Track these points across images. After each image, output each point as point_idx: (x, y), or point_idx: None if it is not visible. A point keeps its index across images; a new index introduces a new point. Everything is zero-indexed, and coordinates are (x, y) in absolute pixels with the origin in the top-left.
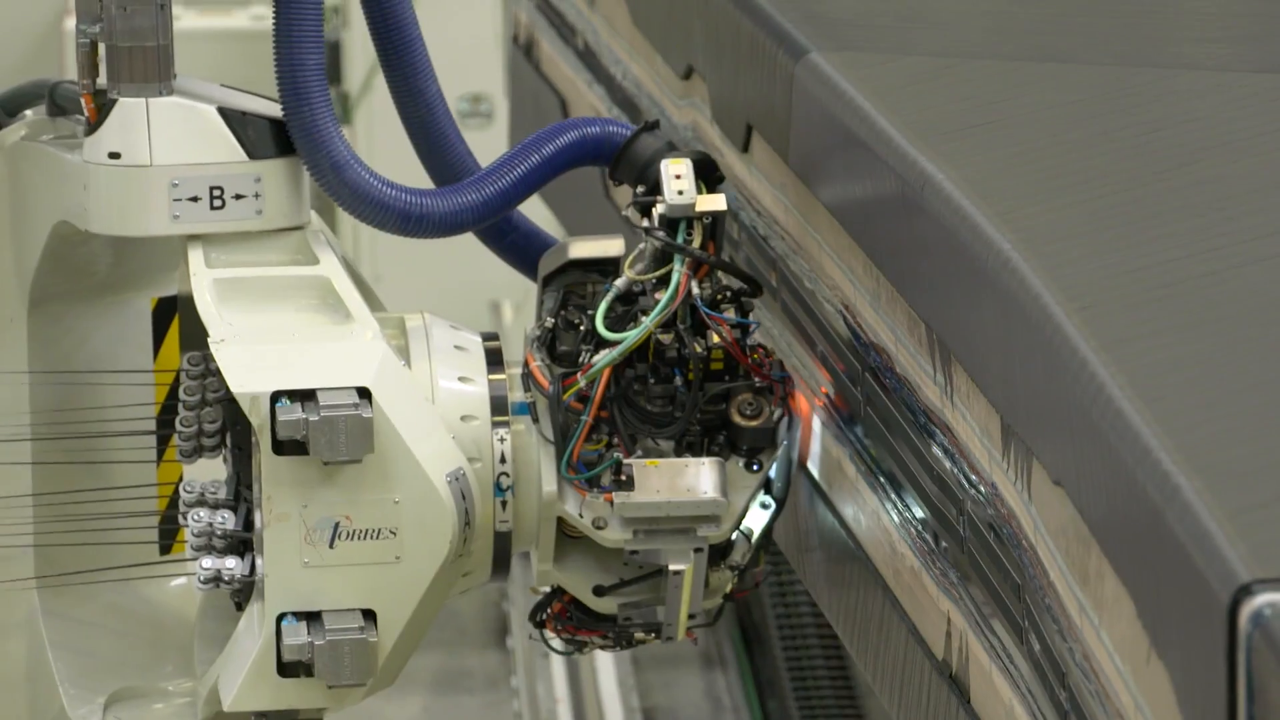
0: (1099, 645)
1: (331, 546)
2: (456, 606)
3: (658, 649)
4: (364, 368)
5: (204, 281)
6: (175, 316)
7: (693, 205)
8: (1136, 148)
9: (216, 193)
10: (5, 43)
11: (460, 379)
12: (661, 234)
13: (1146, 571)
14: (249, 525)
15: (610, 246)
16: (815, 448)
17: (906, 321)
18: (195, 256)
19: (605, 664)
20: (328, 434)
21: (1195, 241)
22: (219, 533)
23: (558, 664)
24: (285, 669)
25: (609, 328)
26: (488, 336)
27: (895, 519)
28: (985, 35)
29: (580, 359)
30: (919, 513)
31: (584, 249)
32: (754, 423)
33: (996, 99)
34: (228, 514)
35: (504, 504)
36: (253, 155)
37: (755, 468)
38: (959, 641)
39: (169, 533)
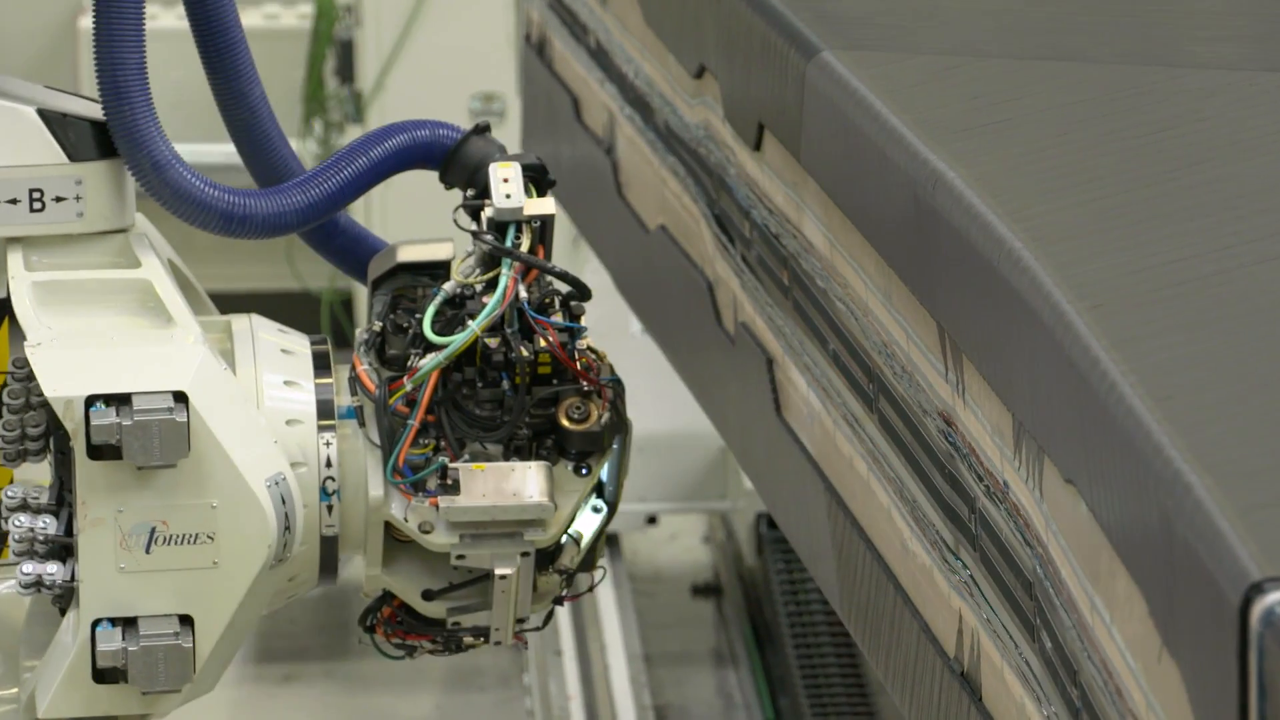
0: (1110, 643)
1: (148, 552)
2: None
3: (670, 645)
4: (181, 371)
5: (23, 285)
6: (4, 319)
7: (521, 209)
8: (1146, 147)
9: (36, 195)
10: (20, 42)
11: (286, 383)
12: (490, 237)
13: (1157, 570)
14: (71, 530)
15: (440, 250)
16: (827, 448)
17: (918, 320)
18: (14, 259)
19: (617, 661)
20: (141, 438)
21: (1205, 240)
22: (40, 538)
23: (570, 662)
24: (100, 675)
25: (438, 332)
26: (316, 340)
27: (907, 517)
28: (995, 34)
29: (409, 363)
30: (930, 511)
31: (413, 252)
32: (581, 426)
33: (1007, 97)
34: (49, 519)
35: (330, 508)
36: (73, 157)
37: (584, 471)
38: (971, 639)
39: None
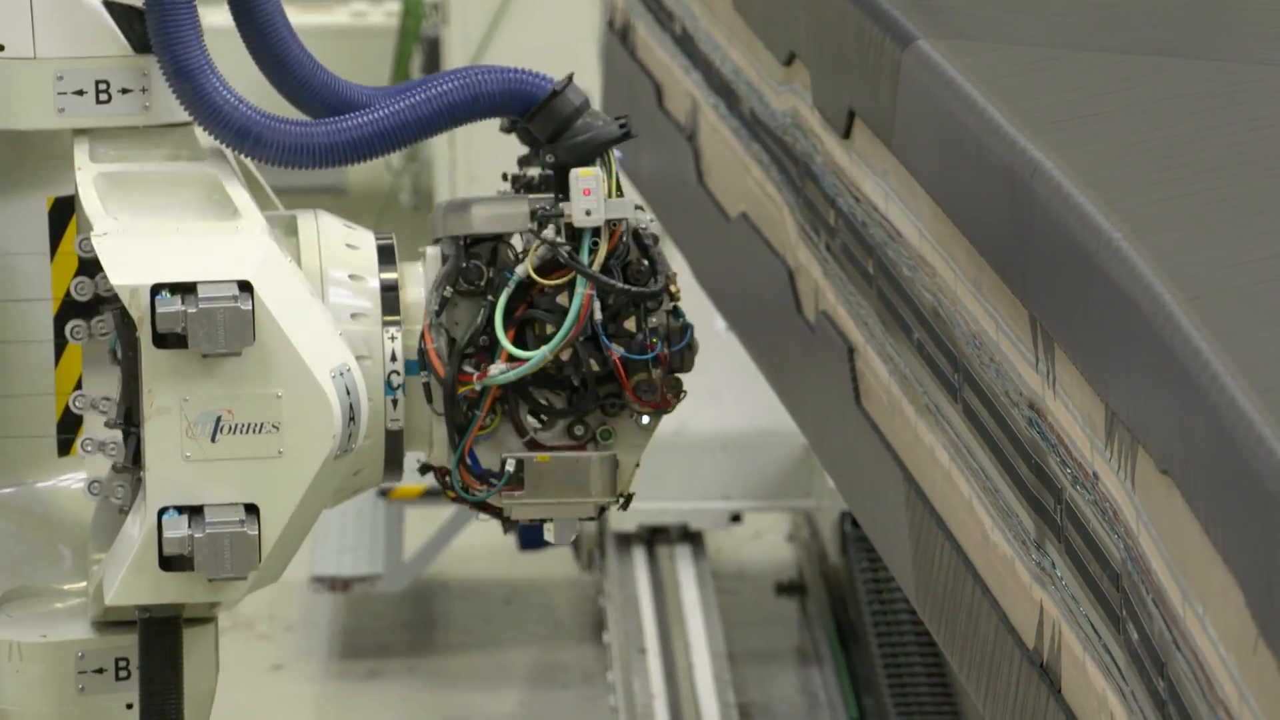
0: (1203, 635)
1: (213, 441)
2: (552, 601)
3: (754, 643)
4: (246, 261)
5: (88, 176)
6: (73, 216)
7: (601, 224)
8: (1246, 143)
9: (102, 86)
10: None
11: (351, 277)
12: (566, 251)
13: (1256, 561)
14: (137, 458)
15: (512, 220)
16: (907, 437)
17: (1009, 309)
18: (81, 151)
19: (701, 659)
20: (206, 326)
21: None
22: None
23: (654, 659)
24: (166, 563)
25: (506, 322)
26: (381, 236)
27: (989, 508)
28: (1093, 27)
29: (479, 340)
30: (1014, 502)
31: (489, 220)
32: (649, 406)
33: (1105, 90)
34: (118, 443)
35: (394, 402)
36: (140, 49)
37: (645, 421)
38: (1051, 631)
39: (67, 434)
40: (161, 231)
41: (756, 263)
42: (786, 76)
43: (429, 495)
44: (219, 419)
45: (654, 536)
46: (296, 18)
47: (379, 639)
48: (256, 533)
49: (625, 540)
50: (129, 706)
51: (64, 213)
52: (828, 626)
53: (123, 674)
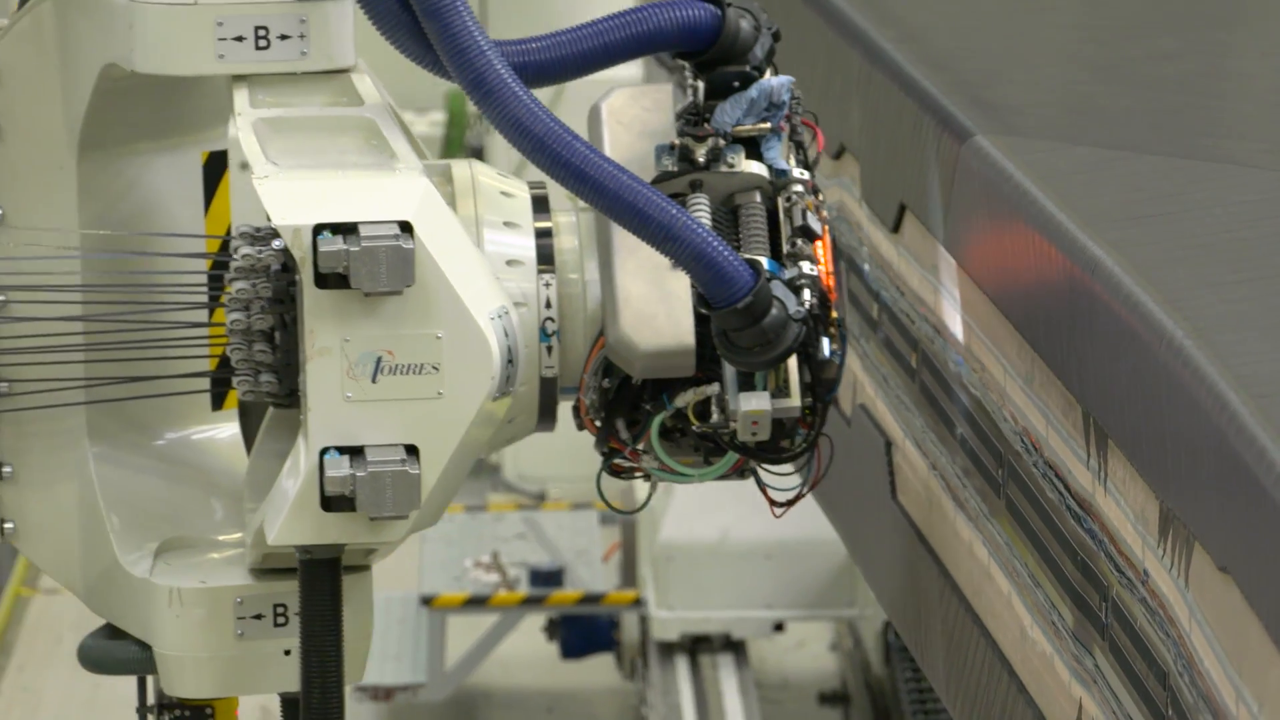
0: None
1: (374, 381)
2: (594, 710)
3: None
4: (406, 202)
5: (248, 120)
6: (226, 171)
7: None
8: None
9: (261, 32)
10: None
11: (506, 224)
12: (725, 439)
13: None
14: (291, 399)
15: (680, 362)
16: (944, 532)
17: (1061, 405)
18: (240, 97)
19: None
20: (368, 264)
21: None
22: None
23: None
24: (328, 503)
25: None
26: (535, 184)
27: (1028, 605)
28: (1154, 132)
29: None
30: (1057, 598)
31: (654, 366)
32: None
33: (1167, 192)
34: (267, 348)
35: (549, 349)
36: None
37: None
38: None
39: (221, 386)
40: (321, 174)
41: None
42: (835, 170)
43: (471, 603)
44: (379, 360)
45: (697, 645)
46: None
47: None
48: (418, 472)
49: (668, 649)
50: (286, 653)
51: (217, 167)
52: (866, 716)
53: (280, 620)
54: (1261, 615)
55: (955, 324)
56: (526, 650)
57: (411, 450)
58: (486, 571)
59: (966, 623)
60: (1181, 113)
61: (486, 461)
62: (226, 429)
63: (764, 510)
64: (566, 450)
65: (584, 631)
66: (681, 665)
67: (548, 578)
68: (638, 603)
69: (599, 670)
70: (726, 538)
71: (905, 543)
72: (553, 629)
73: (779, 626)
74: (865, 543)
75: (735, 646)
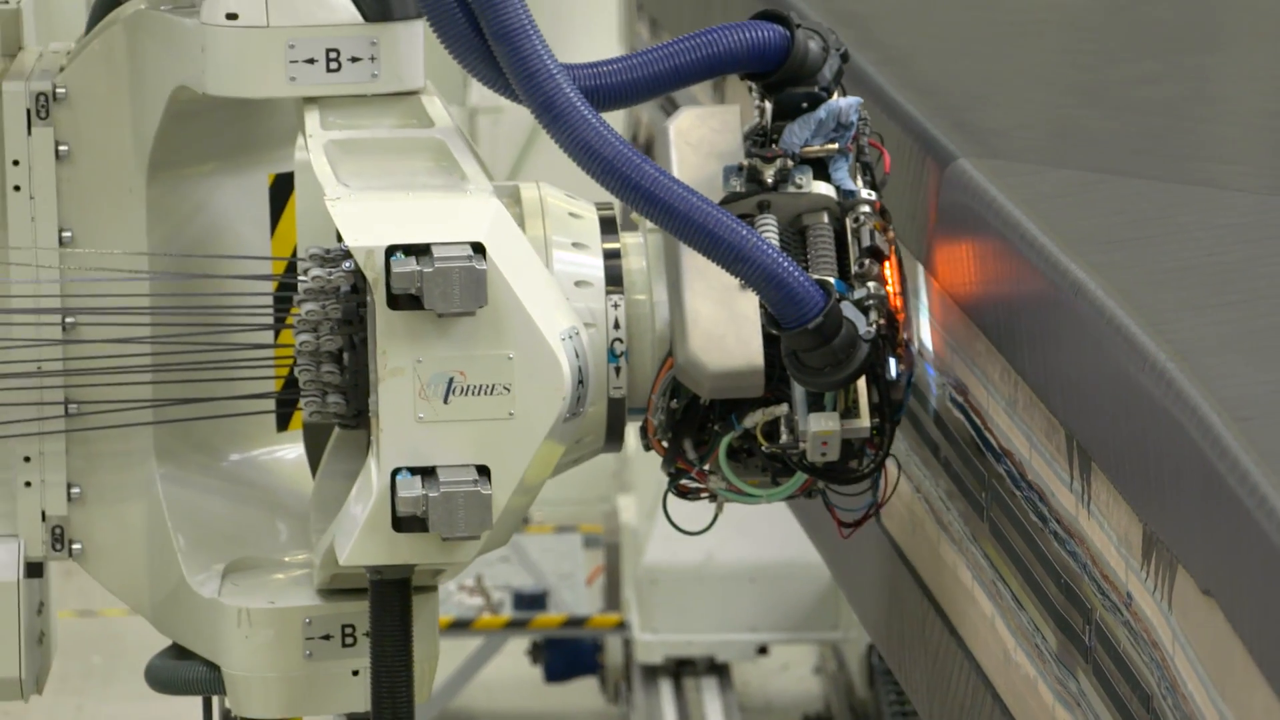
0: None
1: (446, 402)
2: None
3: None
4: (477, 224)
5: (319, 142)
6: (292, 193)
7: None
8: None
9: (332, 55)
10: None
11: (575, 245)
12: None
13: None
14: (359, 419)
15: (749, 383)
16: (927, 555)
17: (1044, 428)
18: (311, 119)
19: None
20: (442, 285)
21: None
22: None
23: None
24: (399, 523)
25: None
26: (602, 205)
27: (1012, 628)
28: (1136, 155)
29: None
30: (1040, 622)
31: (722, 388)
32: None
33: (1150, 215)
34: (334, 368)
35: (617, 370)
36: (369, 18)
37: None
38: None
39: (286, 407)
40: (393, 195)
41: None
42: None
43: (455, 627)
44: (451, 380)
45: (680, 668)
46: None
47: None
48: (490, 492)
49: (652, 672)
50: (355, 673)
51: (284, 189)
52: None
53: (349, 640)
54: (1244, 638)
55: (938, 346)
56: (510, 674)
57: (483, 470)
58: (470, 595)
59: (950, 645)
60: (1164, 136)
61: None
62: (292, 450)
63: (748, 533)
64: None
65: (568, 655)
66: (665, 688)
67: (532, 601)
68: (622, 626)
69: (583, 693)
70: (710, 561)
71: (889, 565)
72: (537, 652)
73: (763, 649)
74: (849, 566)
75: (719, 669)
